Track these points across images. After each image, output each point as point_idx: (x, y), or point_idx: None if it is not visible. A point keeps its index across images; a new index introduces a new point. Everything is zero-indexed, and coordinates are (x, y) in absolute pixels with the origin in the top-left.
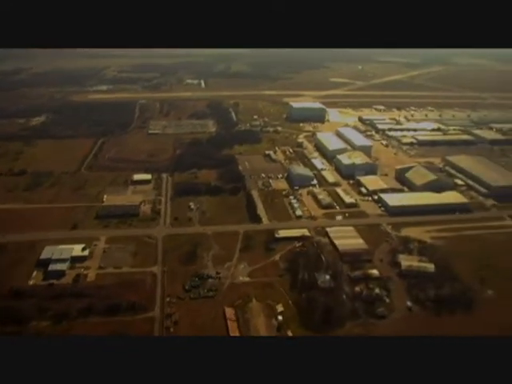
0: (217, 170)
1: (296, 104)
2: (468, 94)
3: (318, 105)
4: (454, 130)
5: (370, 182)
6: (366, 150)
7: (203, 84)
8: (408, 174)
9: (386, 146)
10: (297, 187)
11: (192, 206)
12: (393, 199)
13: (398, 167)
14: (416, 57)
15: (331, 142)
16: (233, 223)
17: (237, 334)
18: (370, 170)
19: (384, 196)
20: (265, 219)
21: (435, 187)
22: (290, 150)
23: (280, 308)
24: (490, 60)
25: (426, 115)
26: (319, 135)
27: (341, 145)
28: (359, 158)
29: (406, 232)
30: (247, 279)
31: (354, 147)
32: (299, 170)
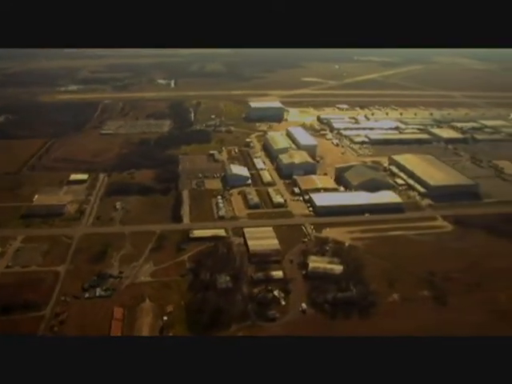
0: (155, 170)
1: (254, 104)
2: (438, 93)
3: (276, 104)
4: (413, 128)
5: (305, 181)
6: (310, 150)
7: (173, 84)
8: (346, 174)
9: (337, 145)
10: (229, 187)
11: (118, 206)
12: (321, 199)
13: (338, 166)
14: (399, 56)
15: (278, 142)
16: (153, 223)
17: (118, 334)
18: (310, 169)
19: (313, 196)
20: (186, 219)
21: (371, 187)
22: (236, 150)
23: (169, 308)
24: (472, 59)
25: (387, 114)
26: (269, 135)
27: (287, 144)
28: (299, 158)
29: (328, 233)
30: (148, 279)
31: (299, 146)
32: (235, 169)
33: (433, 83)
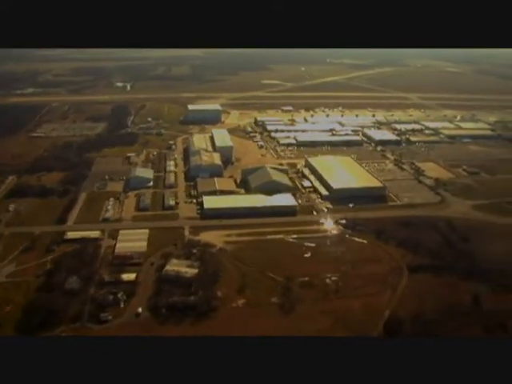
0: (67, 172)
1: (192, 106)
2: (395, 95)
3: (214, 107)
4: (348, 130)
5: (205, 183)
6: (226, 152)
7: (129, 87)
8: (250, 176)
9: (261, 147)
10: (129, 189)
11: (11, 208)
12: (211, 202)
13: (244, 169)
14: (374, 58)
15: (197, 144)
16: (38, 224)
17: None
18: (216, 171)
19: (205, 198)
20: (71, 221)
21: (269, 189)
22: (154, 153)
23: (7, 308)
24: (447, 62)
25: (328, 115)
26: (193, 137)
27: (205, 146)
28: (208, 160)
29: (204, 236)
30: (3, 279)
31: (215, 148)
32: (140, 172)
33: (394, 85)
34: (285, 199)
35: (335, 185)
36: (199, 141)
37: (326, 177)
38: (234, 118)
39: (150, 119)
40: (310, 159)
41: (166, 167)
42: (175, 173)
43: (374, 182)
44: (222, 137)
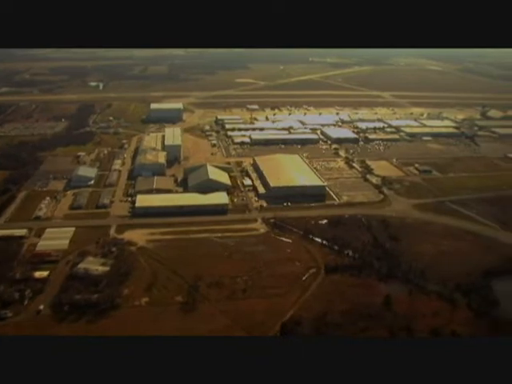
0: (13, 171)
1: (154, 105)
2: (367, 93)
3: (176, 106)
4: (307, 128)
5: (144, 182)
6: (174, 150)
7: (101, 87)
8: (190, 175)
9: (214, 145)
10: (69, 188)
11: None
12: (143, 200)
13: (186, 167)
14: (358, 57)
15: (148, 143)
16: None
17: None
18: (158, 170)
19: (138, 197)
20: (3, 219)
21: (206, 188)
22: (105, 152)
23: None
24: (433, 60)
25: (290, 114)
26: (145, 136)
27: (154, 145)
28: (152, 158)
29: (129, 234)
30: None
31: (164, 147)
32: (82, 171)
33: (370, 84)
34: (218, 198)
35: (273, 183)
36: (151, 140)
37: (266, 175)
38: (196, 117)
39: (111, 118)
40: (256, 158)
41: (111, 166)
42: (119, 171)
43: (314, 181)
44: (173, 136)
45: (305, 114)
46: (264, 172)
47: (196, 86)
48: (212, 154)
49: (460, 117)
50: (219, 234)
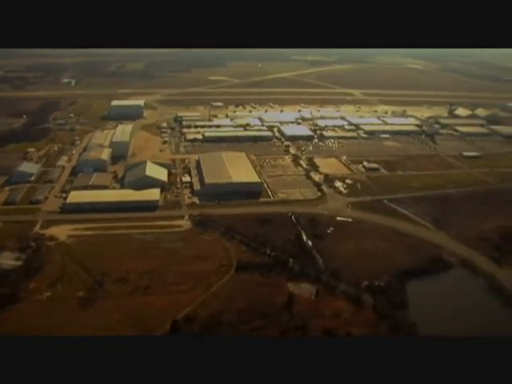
0: None
1: (115, 102)
2: (338, 91)
3: (137, 103)
4: (264, 125)
5: (83, 178)
6: (122, 147)
7: (73, 83)
8: (129, 171)
9: (165, 142)
10: (8, 184)
11: None
12: (75, 196)
13: (127, 164)
14: (341, 56)
15: (98, 140)
16: None
17: None
18: (100, 166)
19: (71, 193)
20: None
21: (142, 184)
22: (55, 148)
23: None
24: (416, 59)
25: (250, 111)
26: (96, 133)
27: (102, 141)
28: (96, 155)
29: (53, 230)
30: None
31: (111, 144)
32: (24, 167)
33: (344, 82)
34: (149, 194)
35: (208, 180)
36: (102, 137)
37: (204, 172)
38: (157, 114)
39: (72, 115)
40: (201, 155)
41: (56, 162)
42: (63, 168)
43: (252, 178)
44: (123, 133)
45: (266, 111)
46: (203, 169)
47: (168, 83)
48: (161, 150)
49: (426, 115)
50: (139, 231)
